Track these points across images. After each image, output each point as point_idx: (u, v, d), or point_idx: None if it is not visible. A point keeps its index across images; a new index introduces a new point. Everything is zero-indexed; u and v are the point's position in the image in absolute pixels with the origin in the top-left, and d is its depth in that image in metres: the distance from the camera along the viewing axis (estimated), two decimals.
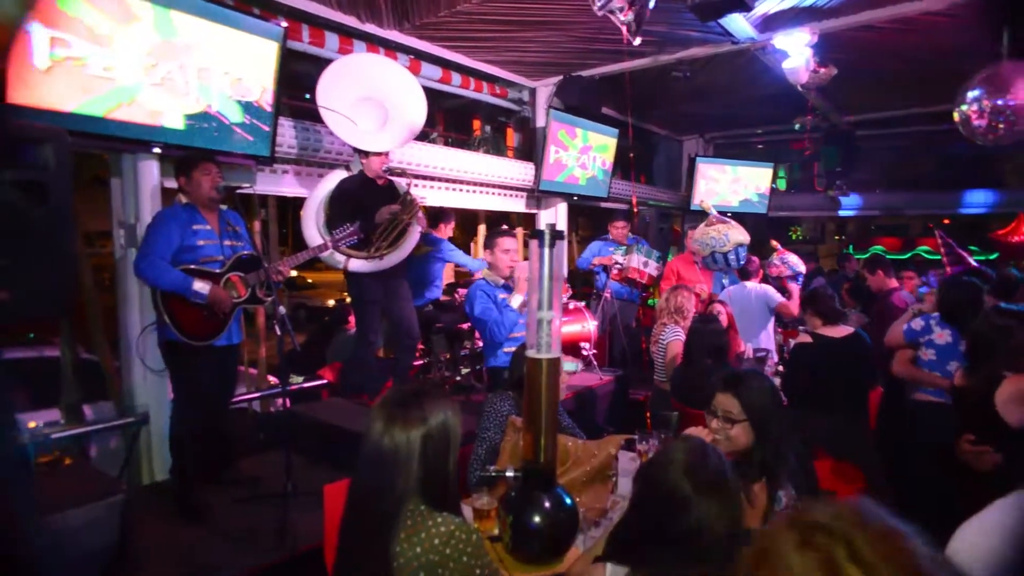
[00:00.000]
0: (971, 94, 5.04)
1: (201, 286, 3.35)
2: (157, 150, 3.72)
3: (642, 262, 6.25)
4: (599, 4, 3.66)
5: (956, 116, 5.25)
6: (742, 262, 5.68)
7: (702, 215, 8.99)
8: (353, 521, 1.72)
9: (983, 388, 2.62)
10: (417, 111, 4.56)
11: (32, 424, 4.28)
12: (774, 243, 6.92)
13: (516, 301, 3.89)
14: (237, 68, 4.03)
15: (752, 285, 5.86)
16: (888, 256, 7.23)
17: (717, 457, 1.58)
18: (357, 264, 4.30)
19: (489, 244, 4.13)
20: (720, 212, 5.95)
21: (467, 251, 7.45)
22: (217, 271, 3.48)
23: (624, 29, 3.75)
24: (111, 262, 4.15)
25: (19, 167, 2.47)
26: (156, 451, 3.98)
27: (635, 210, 8.15)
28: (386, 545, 1.61)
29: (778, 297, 5.69)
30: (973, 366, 2.95)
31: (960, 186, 10.00)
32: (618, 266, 6.35)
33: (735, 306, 5.35)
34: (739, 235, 5.39)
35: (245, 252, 3.64)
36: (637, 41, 3.82)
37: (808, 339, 4.16)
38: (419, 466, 1.68)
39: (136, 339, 3.72)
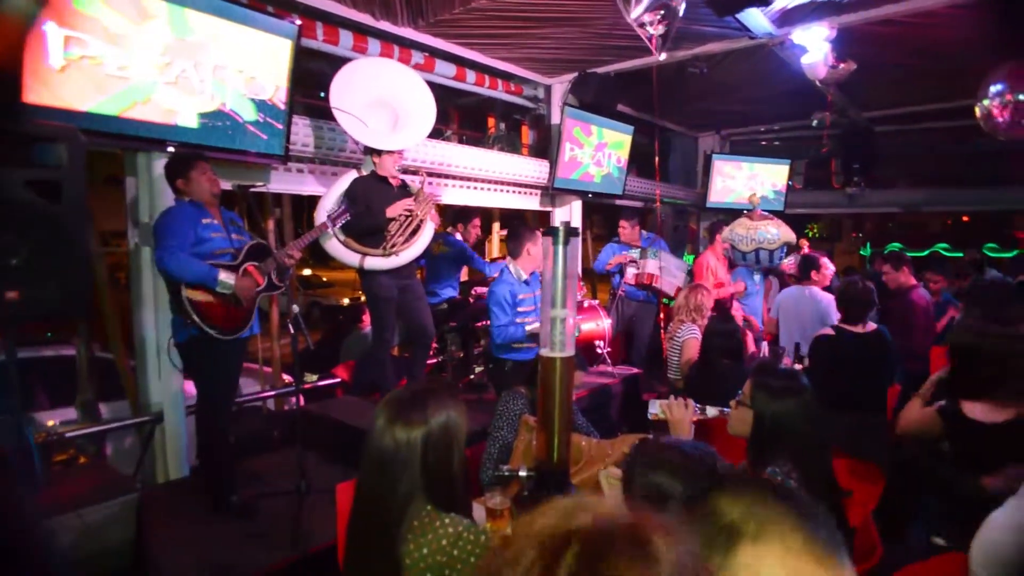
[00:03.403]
0: (993, 88, 4.98)
1: (227, 276, 3.36)
2: (171, 149, 3.70)
3: (659, 267, 6.07)
4: (634, 16, 3.60)
5: (978, 111, 5.18)
6: (781, 260, 5.61)
7: (717, 212, 9.02)
8: (359, 522, 1.70)
9: None
10: (426, 113, 4.55)
11: (49, 422, 4.32)
12: (803, 242, 6.89)
13: (532, 326, 4.00)
14: (251, 66, 4.02)
15: (817, 292, 5.45)
16: (907, 253, 7.14)
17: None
18: (373, 262, 4.29)
19: (532, 237, 4.20)
20: (735, 209, 5.88)
21: (482, 249, 7.43)
22: (232, 263, 3.48)
23: (651, 43, 3.71)
24: (125, 261, 4.16)
25: (33, 166, 2.49)
26: (170, 450, 3.99)
27: (658, 206, 8.06)
28: (392, 546, 1.59)
29: (835, 314, 5.47)
30: None
31: (981, 183, 9.84)
32: (634, 267, 6.23)
33: (791, 307, 5.31)
34: (789, 234, 5.33)
35: (252, 242, 3.65)
36: (663, 57, 3.78)
37: (830, 331, 4.12)
38: (421, 467, 1.66)
39: (164, 338, 3.74)
